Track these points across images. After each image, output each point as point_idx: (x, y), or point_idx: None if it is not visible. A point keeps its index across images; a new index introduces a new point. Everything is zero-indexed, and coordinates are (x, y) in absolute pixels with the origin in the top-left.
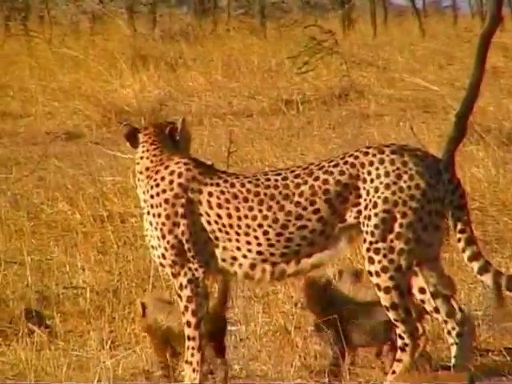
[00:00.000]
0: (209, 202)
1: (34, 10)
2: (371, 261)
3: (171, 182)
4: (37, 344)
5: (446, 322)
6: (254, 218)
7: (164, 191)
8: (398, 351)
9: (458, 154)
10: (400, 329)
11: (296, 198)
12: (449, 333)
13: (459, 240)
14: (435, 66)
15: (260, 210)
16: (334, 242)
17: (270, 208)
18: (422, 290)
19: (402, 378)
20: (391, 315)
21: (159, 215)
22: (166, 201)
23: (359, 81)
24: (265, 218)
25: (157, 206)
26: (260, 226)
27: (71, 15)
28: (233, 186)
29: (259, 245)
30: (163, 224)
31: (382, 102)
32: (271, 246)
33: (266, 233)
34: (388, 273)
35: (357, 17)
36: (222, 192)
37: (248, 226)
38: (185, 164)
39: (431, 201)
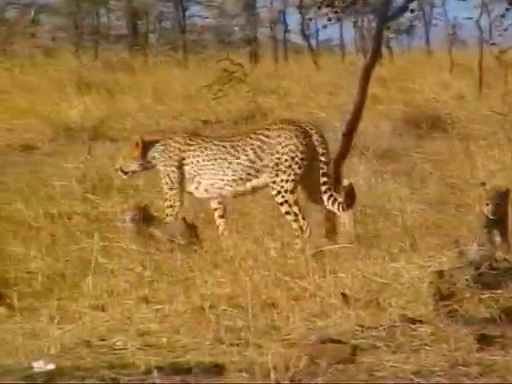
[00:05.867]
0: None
1: None
2: (273, 186)
3: None
4: None
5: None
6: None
7: None
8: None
9: (344, 167)
10: (297, 224)
11: (236, 148)
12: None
13: (324, 183)
14: (326, 93)
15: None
16: (260, 173)
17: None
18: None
19: None
20: (288, 217)
21: None
22: None
23: (264, 105)
24: (220, 158)
25: None
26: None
27: (28, 49)
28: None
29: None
30: None
31: None
32: (225, 174)
33: (222, 167)
34: (281, 193)
35: (262, 53)
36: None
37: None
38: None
39: (303, 153)
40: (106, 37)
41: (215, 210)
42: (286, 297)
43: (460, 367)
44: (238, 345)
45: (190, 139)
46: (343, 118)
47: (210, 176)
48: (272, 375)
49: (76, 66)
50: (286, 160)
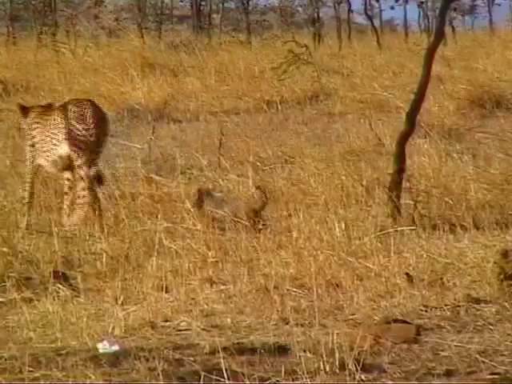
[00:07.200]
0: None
1: (61, 25)
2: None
3: None
4: (62, 299)
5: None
6: None
7: None
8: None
9: (408, 146)
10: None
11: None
12: None
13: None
14: (389, 73)
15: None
16: (59, 147)
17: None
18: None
19: None
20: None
21: None
22: None
23: (327, 85)
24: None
25: None
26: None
27: (92, 30)
28: None
29: None
30: None
31: (346, 102)
32: (43, 148)
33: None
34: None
35: (326, 33)
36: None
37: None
38: None
39: (80, 129)
40: (170, 17)
41: (66, 181)
42: (351, 277)
43: None
44: (302, 325)
45: (43, 112)
46: (407, 97)
47: (40, 150)
48: (336, 355)
49: (139, 47)
50: (65, 133)
